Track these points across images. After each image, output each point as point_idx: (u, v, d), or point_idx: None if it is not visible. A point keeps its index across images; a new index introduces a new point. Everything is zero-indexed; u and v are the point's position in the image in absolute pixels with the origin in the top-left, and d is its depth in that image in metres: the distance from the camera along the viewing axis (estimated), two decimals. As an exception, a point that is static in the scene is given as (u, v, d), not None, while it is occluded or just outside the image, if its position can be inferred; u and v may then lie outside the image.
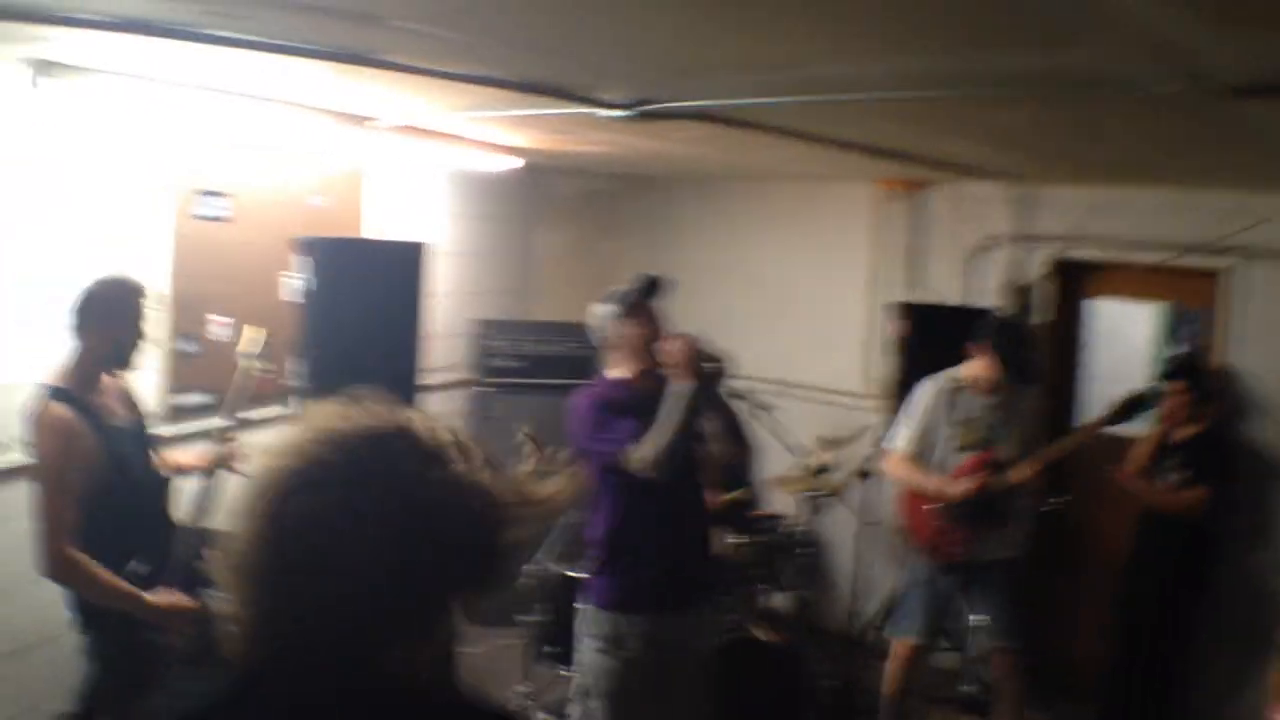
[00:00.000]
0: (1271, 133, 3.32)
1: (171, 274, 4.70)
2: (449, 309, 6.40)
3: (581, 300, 4.07)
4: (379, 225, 5.94)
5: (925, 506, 4.68)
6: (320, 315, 4.64)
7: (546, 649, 5.08)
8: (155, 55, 3.35)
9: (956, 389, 4.54)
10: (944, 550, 4.62)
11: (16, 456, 3.81)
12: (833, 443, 5.57)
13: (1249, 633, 5.11)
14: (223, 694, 1.31)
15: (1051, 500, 5.13)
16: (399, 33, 2.77)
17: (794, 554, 5.78)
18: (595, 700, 3.83)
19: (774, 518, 6.10)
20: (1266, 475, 5.23)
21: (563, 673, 4.95)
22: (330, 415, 1.35)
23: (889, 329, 6.01)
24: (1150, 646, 5.07)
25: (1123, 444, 5.29)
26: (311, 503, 1.27)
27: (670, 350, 3.75)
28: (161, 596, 3.33)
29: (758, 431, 5.82)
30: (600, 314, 3.92)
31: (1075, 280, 6.05)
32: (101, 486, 3.31)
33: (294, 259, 4.82)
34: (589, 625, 3.88)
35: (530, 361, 6.61)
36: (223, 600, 1.31)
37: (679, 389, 3.68)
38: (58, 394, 3.32)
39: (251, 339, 4.04)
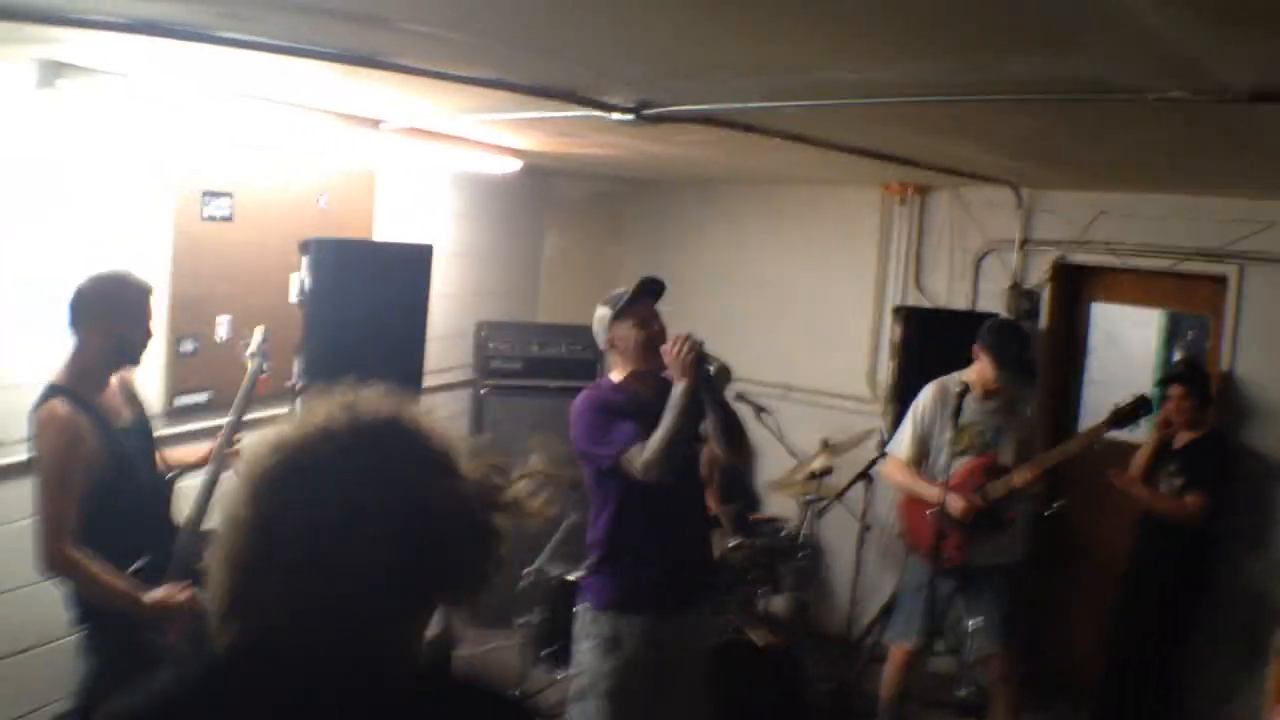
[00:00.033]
0: (1276, 138, 3.33)
1: (172, 273, 4.70)
2: (452, 310, 6.41)
3: (585, 303, 4.09)
4: (386, 227, 5.95)
5: (924, 511, 4.69)
6: (324, 316, 4.64)
7: (545, 650, 5.08)
8: (164, 56, 3.34)
9: (957, 393, 4.55)
10: (943, 554, 4.63)
11: (18, 456, 3.82)
12: (833, 447, 5.58)
13: (1246, 636, 5.12)
14: (199, 679, 1.32)
15: (1052, 505, 5.15)
16: (406, 35, 2.78)
17: (793, 557, 5.78)
18: (594, 701, 3.84)
19: (773, 521, 6.11)
20: (1266, 480, 5.25)
21: (561, 674, 4.95)
22: (326, 407, 1.36)
23: (892, 333, 6.02)
24: (1148, 649, 5.09)
25: (1123, 449, 5.31)
26: (302, 491, 1.29)
27: (670, 352, 3.76)
28: (161, 595, 3.33)
29: (759, 434, 5.84)
30: (600, 317, 3.94)
31: (1078, 285, 6.06)
32: (103, 485, 3.31)
33: (299, 260, 4.83)
34: (587, 626, 3.89)
35: (533, 363, 6.62)
36: (208, 588, 1.32)
37: (678, 390, 3.69)
38: (60, 392, 3.32)
39: (255, 339, 4.05)
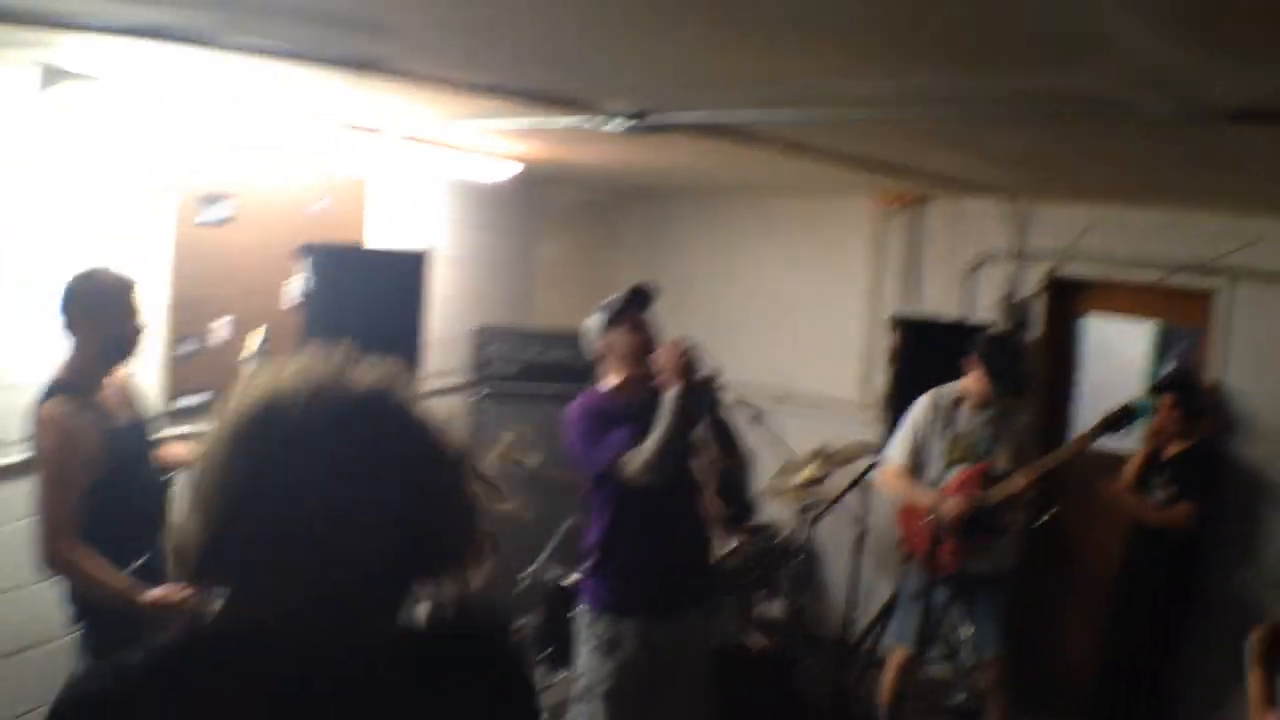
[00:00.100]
0: (1263, 157, 3.37)
1: (172, 275, 4.71)
2: (449, 315, 6.41)
3: (580, 309, 4.11)
4: (381, 232, 5.97)
5: (921, 518, 4.72)
6: (321, 321, 4.66)
7: (543, 652, 5.10)
8: (164, 62, 3.35)
9: (951, 404, 4.58)
10: (938, 561, 4.66)
11: (17, 456, 3.84)
12: (827, 456, 5.60)
13: (1236, 645, 5.12)
14: (174, 654, 1.29)
15: (1045, 514, 5.19)
16: (405, 42, 2.81)
17: (790, 562, 5.81)
18: (593, 702, 3.87)
19: (770, 526, 6.13)
20: (1254, 491, 5.29)
21: (560, 675, 4.98)
22: (315, 368, 1.35)
23: (887, 342, 6.05)
24: (1139, 657, 5.12)
25: (1114, 459, 5.35)
26: (282, 435, 1.27)
27: (661, 357, 3.80)
28: (160, 595, 3.34)
29: (754, 440, 5.86)
30: (591, 325, 3.97)
31: (1069, 297, 6.10)
32: (103, 484, 3.33)
33: (296, 264, 4.85)
34: (586, 628, 3.92)
35: (530, 368, 6.64)
36: (177, 524, 1.30)
37: (670, 395, 3.73)
38: (59, 391, 3.34)
39: (253, 341, 4.07)
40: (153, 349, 4.08)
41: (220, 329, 4.97)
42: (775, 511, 6.51)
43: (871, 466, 5.59)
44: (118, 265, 3.63)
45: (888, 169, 4.86)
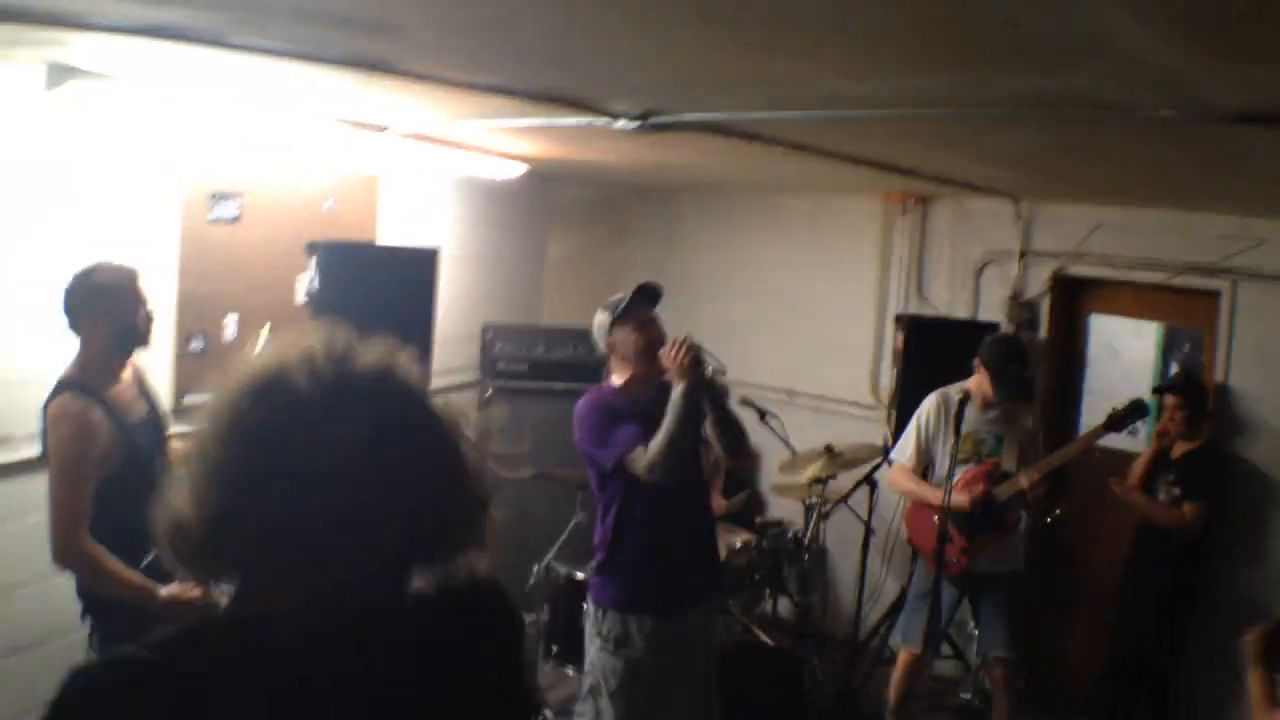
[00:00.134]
0: (1267, 159, 3.37)
1: (180, 273, 4.73)
2: (458, 313, 6.44)
3: (588, 306, 4.13)
4: (392, 230, 6.00)
5: (930, 516, 4.74)
6: (331, 318, 4.67)
7: (554, 648, 5.12)
8: (172, 60, 3.36)
9: (958, 402, 4.59)
10: (946, 560, 4.68)
11: (28, 452, 3.86)
12: (833, 456, 5.61)
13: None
14: (195, 638, 1.29)
15: (1054, 512, 5.20)
16: (414, 42, 2.82)
17: (798, 560, 5.82)
18: (603, 699, 3.89)
19: (779, 524, 6.14)
20: (1260, 491, 5.28)
21: (569, 672, 5.00)
22: (315, 342, 1.33)
23: (893, 341, 6.06)
24: (1145, 657, 5.12)
25: (1122, 458, 5.35)
26: (286, 419, 1.26)
27: (668, 354, 3.81)
28: (174, 591, 3.35)
29: (763, 438, 5.87)
30: (599, 322, 3.99)
31: (1076, 297, 6.10)
32: (116, 478, 3.32)
33: (305, 262, 4.87)
34: (596, 625, 3.95)
35: (539, 365, 6.65)
36: (169, 511, 1.28)
37: (677, 391, 3.75)
38: (72, 386, 3.35)
39: (261, 339, 4.08)
40: (160, 347, 4.09)
41: (228, 327, 4.99)
42: (783, 509, 6.54)
43: (879, 465, 5.61)
44: (118, 257, 3.63)
45: (892, 169, 4.86)
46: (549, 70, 3.16)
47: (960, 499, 4.61)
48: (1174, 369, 5.70)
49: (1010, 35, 2.15)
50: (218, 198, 4.90)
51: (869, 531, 5.71)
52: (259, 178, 5.12)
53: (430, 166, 6.00)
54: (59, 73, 3.56)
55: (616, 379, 4.01)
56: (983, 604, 4.89)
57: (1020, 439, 4.85)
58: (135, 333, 3.52)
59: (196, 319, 4.84)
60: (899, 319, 6.06)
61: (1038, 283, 6.04)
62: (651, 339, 3.91)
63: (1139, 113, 2.70)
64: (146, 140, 4.52)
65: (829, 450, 5.61)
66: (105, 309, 3.44)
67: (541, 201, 7.26)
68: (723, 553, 4.69)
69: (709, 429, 3.98)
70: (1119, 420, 4.65)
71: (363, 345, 1.36)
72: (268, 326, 4.13)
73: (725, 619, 5.08)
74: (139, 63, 3.48)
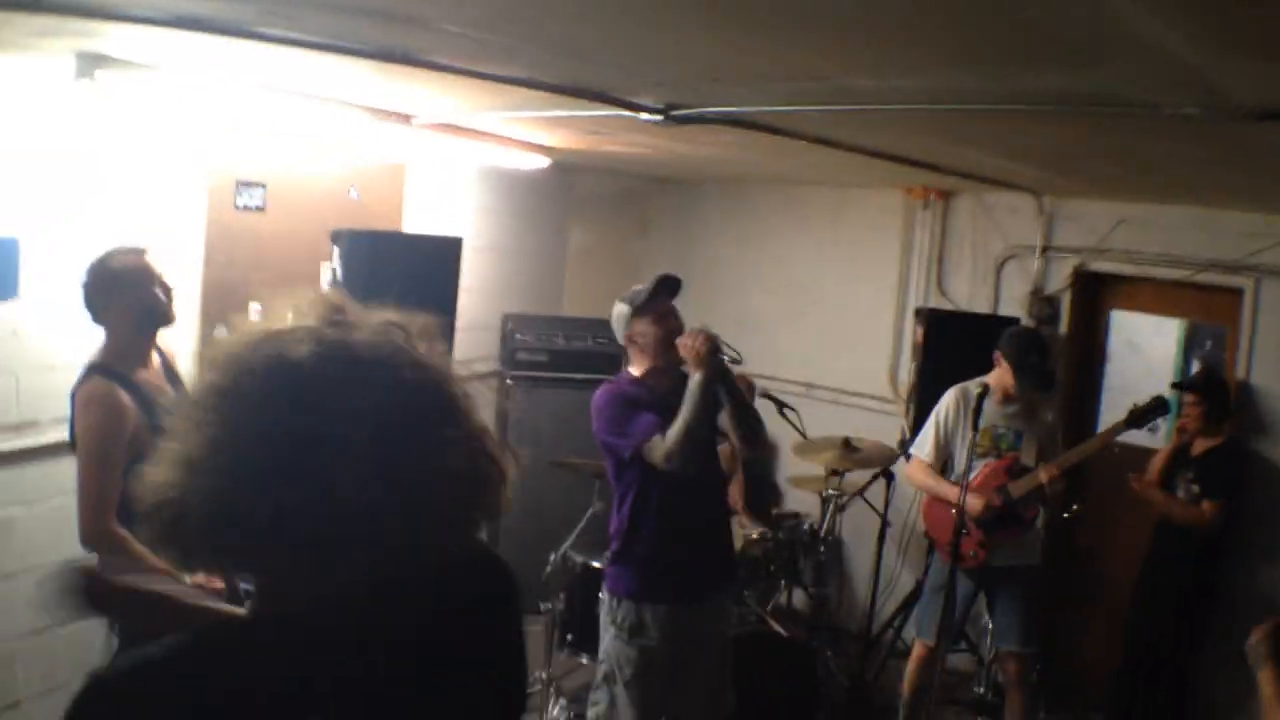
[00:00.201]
0: (1286, 157, 3.37)
1: (205, 261, 4.78)
2: (479, 302, 6.48)
3: (609, 297, 4.15)
4: (416, 219, 6.03)
5: (947, 511, 4.74)
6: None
7: (569, 637, 5.15)
8: (202, 50, 3.38)
9: (977, 397, 4.59)
10: (964, 554, 4.68)
11: (55, 436, 3.90)
12: (850, 449, 5.61)
13: (1259, 644, 5.14)
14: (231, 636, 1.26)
15: (1071, 507, 5.20)
16: (441, 34, 2.83)
17: (814, 552, 5.83)
18: (617, 687, 3.91)
19: (795, 515, 6.16)
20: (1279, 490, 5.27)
21: (584, 660, 5.03)
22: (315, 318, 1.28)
23: (914, 334, 6.06)
24: (1162, 654, 5.12)
25: (1141, 454, 5.35)
26: (293, 397, 1.20)
27: (686, 344, 3.83)
28: (198, 577, 3.37)
29: (782, 430, 5.89)
30: (619, 313, 4.02)
31: (1098, 292, 6.09)
32: (144, 461, 3.34)
33: (330, 250, 4.90)
34: (611, 614, 3.96)
35: (559, 355, 6.68)
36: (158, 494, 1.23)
37: (694, 381, 3.77)
38: (100, 370, 3.38)
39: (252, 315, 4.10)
40: (185, 333, 4.12)
41: (253, 315, 5.01)
42: (800, 501, 6.55)
43: (898, 457, 5.62)
44: (142, 244, 3.66)
45: (914, 163, 4.87)
46: (574, 64, 3.18)
47: (975, 502, 4.61)
48: (1195, 366, 5.69)
49: (1035, 32, 2.16)
50: (244, 186, 4.94)
51: (885, 524, 5.71)
52: (285, 166, 5.16)
53: (454, 156, 6.03)
54: (88, 63, 3.58)
55: (635, 370, 4.03)
56: (998, 598, 4.88)
57: (1040, 434, 4.84)
58: (156, 312, 3.54)
59: (222, 307, 4.87)
60: (919, 313, 6.05)
61: (1059, 278, 6.03)
62: (670, 330, 3.93)
63: (1162, 110, 2.70)
64: (173, 129, 4.56)
65: (846, 443, 5.61)
66: (122, 294, 3.46)
67: (563, 193, 7.28)
68: (737, 543, 4.71)
69: (726, 419, 4.00)
70: (1140, 416, 4.64)
71: (354, 313, 1.31)
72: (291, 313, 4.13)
73: (740, 609, 5.10)
74: (168, 53, 3.50)
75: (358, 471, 1.17)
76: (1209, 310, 5.70)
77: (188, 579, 3.30)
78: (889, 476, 5.76)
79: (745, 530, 5.47)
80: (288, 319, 1.28)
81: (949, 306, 6.32)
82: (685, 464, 3.71)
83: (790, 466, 6.55)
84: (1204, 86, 2.47)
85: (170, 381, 3.64)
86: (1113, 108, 2.80)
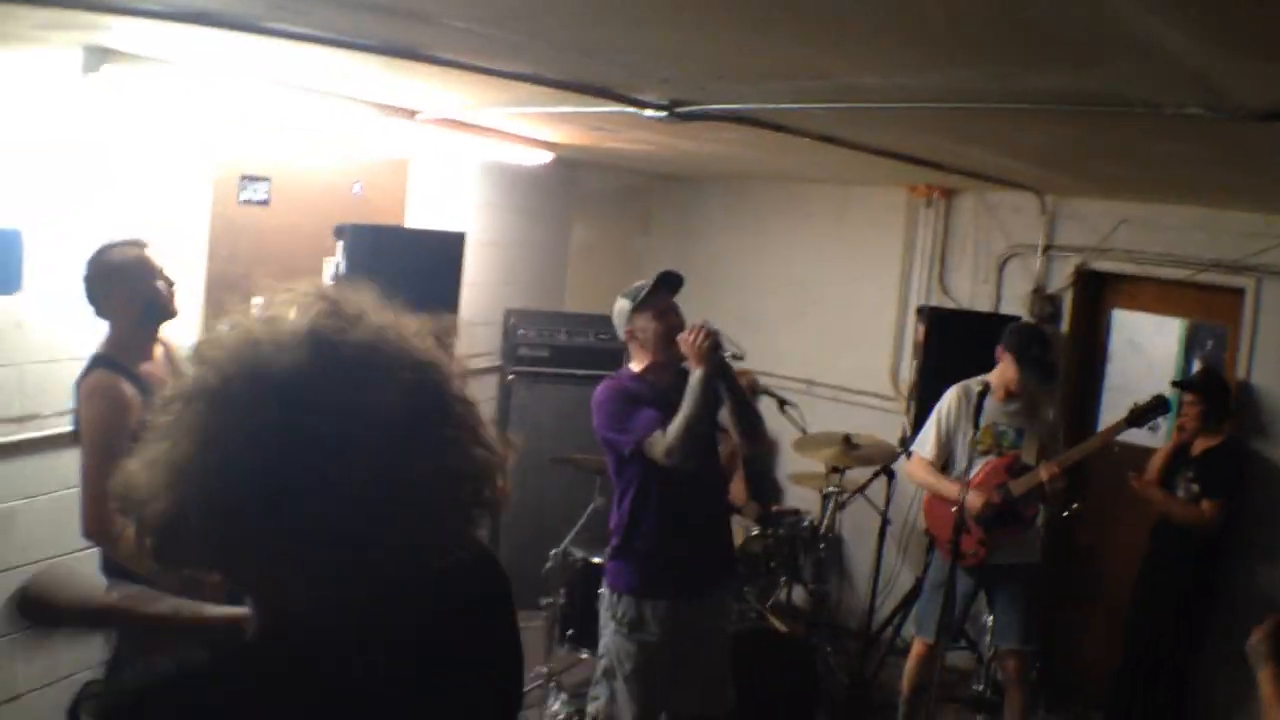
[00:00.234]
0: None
1: (209, 255, 4.78)
2: (481, 297, 6.48)
3: (611, 293, 4.16)
4: (419, 214, 6.04)
5: (948, 509, 4.75)
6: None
7: (569, 631, 5.16)
8: (210, 45, 3.39)
9: (979, 394, 4.60)
10: (965, 551, 4.69)
11: (57, 428, 3.90)
12: (851, 446, 5.62)
13: (1258, 644, 5.15)
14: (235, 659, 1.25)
15: (1072, 506, 5.21)
16: (447, 30, 2.84)
17: (814, 549, 5.84)
18: (617, 682, 3.92)
19: (795, 512, 6.17)
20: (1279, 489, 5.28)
21: (585, 655, 5.04)
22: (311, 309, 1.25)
23: (915, 332, 6.07)
24: (1161, 653, 5.13)
25: (1140, 453, 5.36)
26: (280, 399, 1.17)
27: (687, 340, 3.84)
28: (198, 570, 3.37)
29: (782, 427, 5.90)
30: (620, 309, 4.03)
31: (1100, 291, 6.10)
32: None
33: (334, 244, 4.91)
34: (611, 609, 3.97)
35: (560, 351, 6.68)
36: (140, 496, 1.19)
37: (695, 376, 3.78)
38: (103, 362, 3.39)
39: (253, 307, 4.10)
40: (189, 327, 4.11)
41: (255, 309, 5.02)
42: (800, 498, 6.56)
43: (899, 455, 5.62)
44: (145, 237, 3.66)
45: (917, 162, 4.87)
46: (579, 60, 3.18)
47: (975, 500, 4.62)
48: (1196, 366, 5.70)
49: (1036, 32, 2.17)
50: (248, 180, 4.94)
51: (885, 522, 5.72)
52: (289, 161, 5.17)
53: (458, 152, 6.03)
54: (95, 56, 3.58)
55: (636, 365, 4.04)
56: (998, 596, 4.89)
57: (1041, 432, 4.85)
58: (157, 305, 3.55)
59: (224, 300, 4.87)
60: (920, 311, 6.06)
61: (1061, 277, 6.04)
62: (671, 326, 3.94)
63: (1164, 110, 2.71)
64: (179, 123, 4.56)
65: (846, 440, 5.62)
66: (122, 286, 3.47)
67: (566, 189, 7.29)
68: (737, 539, 4.71)
69: (726, 415, 4.01)
70: (1141, 415, 4.65)
71: (340, 305, 1.28)
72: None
73: (740, 605, 5.11)
74: (175, 47, 3.50)
75: (354, 472, 1.16)
76: (1210, 310, 5.71)
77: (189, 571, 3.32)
78: (890, 474, 5.77)
79: (746, 526, 5.49)
80: (289, 315, 1.25)
81: (951, 305, 6.32)
82: (685, 459, 3.72)
83: (791, 463, 6.55)
84: (1205, 86, 2.48)
85: (174, 374, 3.64)
86: (1114, 107, 2.81)
